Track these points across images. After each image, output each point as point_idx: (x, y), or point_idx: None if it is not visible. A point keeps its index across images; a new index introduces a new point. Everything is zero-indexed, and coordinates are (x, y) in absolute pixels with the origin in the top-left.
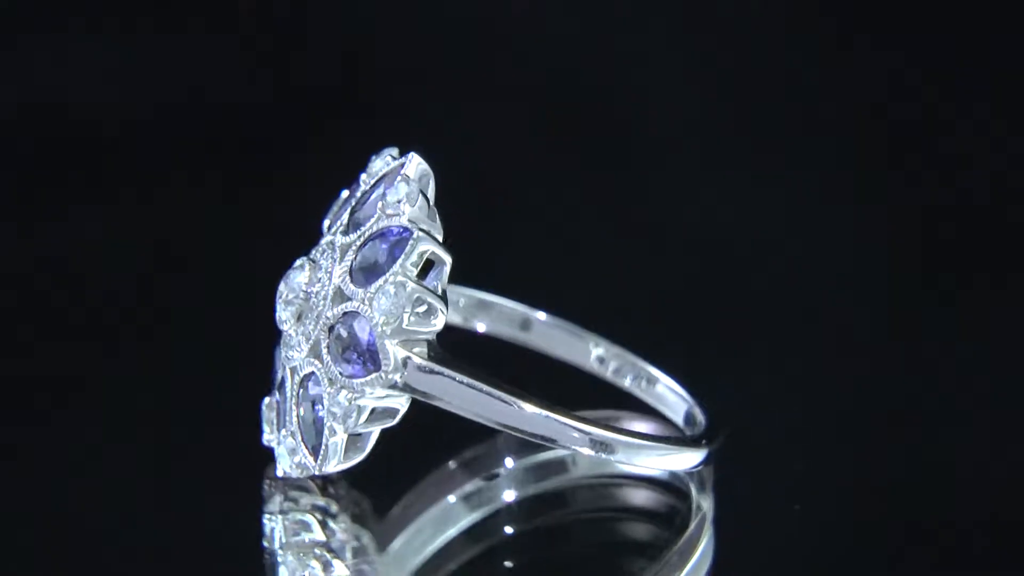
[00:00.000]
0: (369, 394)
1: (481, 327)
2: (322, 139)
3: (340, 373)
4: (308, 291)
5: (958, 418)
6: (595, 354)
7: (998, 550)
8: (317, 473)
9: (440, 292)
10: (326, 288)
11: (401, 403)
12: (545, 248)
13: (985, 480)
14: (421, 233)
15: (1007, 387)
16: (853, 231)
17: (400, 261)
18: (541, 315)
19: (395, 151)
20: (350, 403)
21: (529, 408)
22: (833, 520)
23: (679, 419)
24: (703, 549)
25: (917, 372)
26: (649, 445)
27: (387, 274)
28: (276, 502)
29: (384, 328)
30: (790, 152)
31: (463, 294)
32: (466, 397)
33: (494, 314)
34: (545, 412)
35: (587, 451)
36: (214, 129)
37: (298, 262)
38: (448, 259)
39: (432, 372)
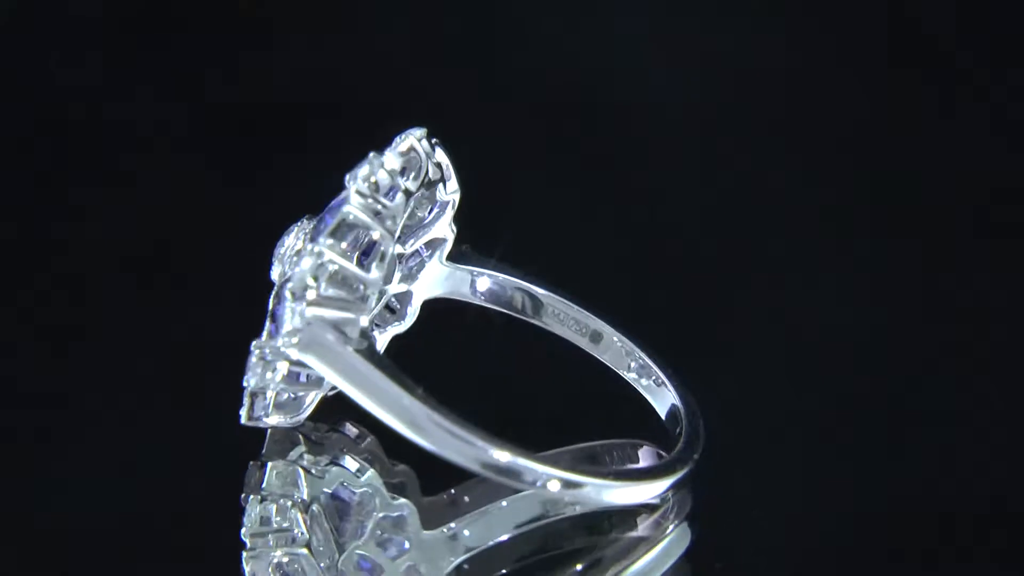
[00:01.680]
0: (274, 354)
1: (483, 284)
2: (316, 139)
3: (270, 330)
4: (290, 248)
5: (951, 420)
6: (620, 346)
7: (983, 555)
8: (243, 422)
9: (370, 270)
10: (296, 248)
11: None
12: (543, 245)
13: (970, 484)
14: (351, 208)
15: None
16: (852, 229)
17: (324, 231)
18: (540, 291)
19: (419, 131)
20: (257, 359)
21: (428, 414)
22: (813, 520)
23: (663, 414)
24: (665, 545)
25: (914, 373)
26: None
27: (311, 242)
28: (296, 452)
29: (292, 292)
30: (789, 150)
31: (471, 270)
32: (351, 378)
33: (500, 289)
34: (439, 417)
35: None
36: (215, 127)
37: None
38: (386, 239)
39: (329, 349)
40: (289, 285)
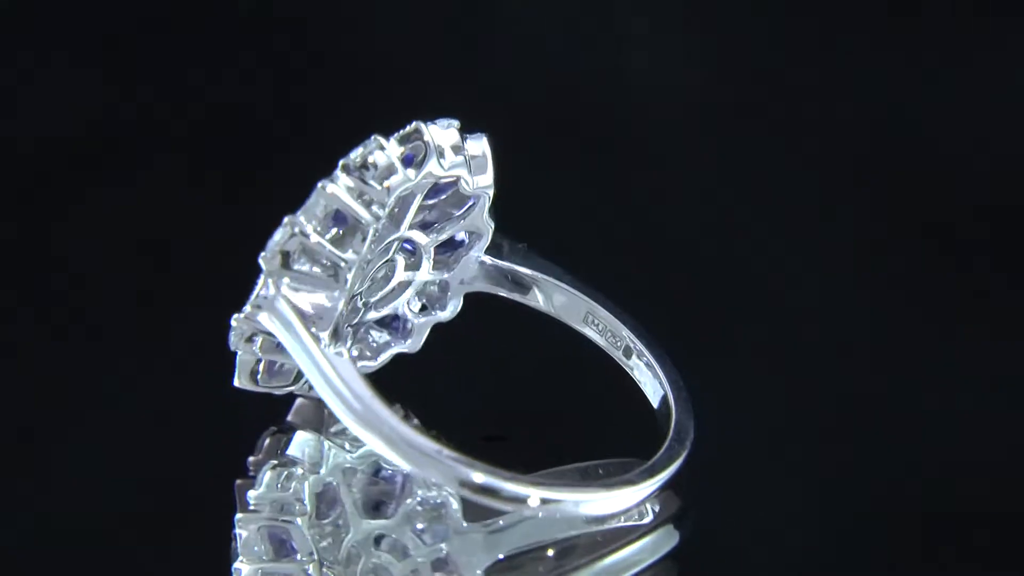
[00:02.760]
0: (247, 320)
1: (519, 281)
2: (311, 139)
3: None
4: None
5: (945, 419)
6: (631, 345)
7: (981, 555)
8: (235, 384)
9: (347, 251)
10: None
11: None
12: (542, 243)
13: (955, 482)
14: (333, 187)
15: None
16: (852, 229)
17: (302, 208)
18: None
19: (445, 122)
20: (237, 323)
21: (384, 417)
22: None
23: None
24: (648, 544)
25: (910, 374)
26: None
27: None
28: (338, 426)
29: (263, 260)
30: (790, 150)
31: (504, 264)
32: (305, 357)
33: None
34: (388, 415)
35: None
36: (216, 127)
37: None
38: (362, 222)
39: (284, 325)
40: (262, 253)
